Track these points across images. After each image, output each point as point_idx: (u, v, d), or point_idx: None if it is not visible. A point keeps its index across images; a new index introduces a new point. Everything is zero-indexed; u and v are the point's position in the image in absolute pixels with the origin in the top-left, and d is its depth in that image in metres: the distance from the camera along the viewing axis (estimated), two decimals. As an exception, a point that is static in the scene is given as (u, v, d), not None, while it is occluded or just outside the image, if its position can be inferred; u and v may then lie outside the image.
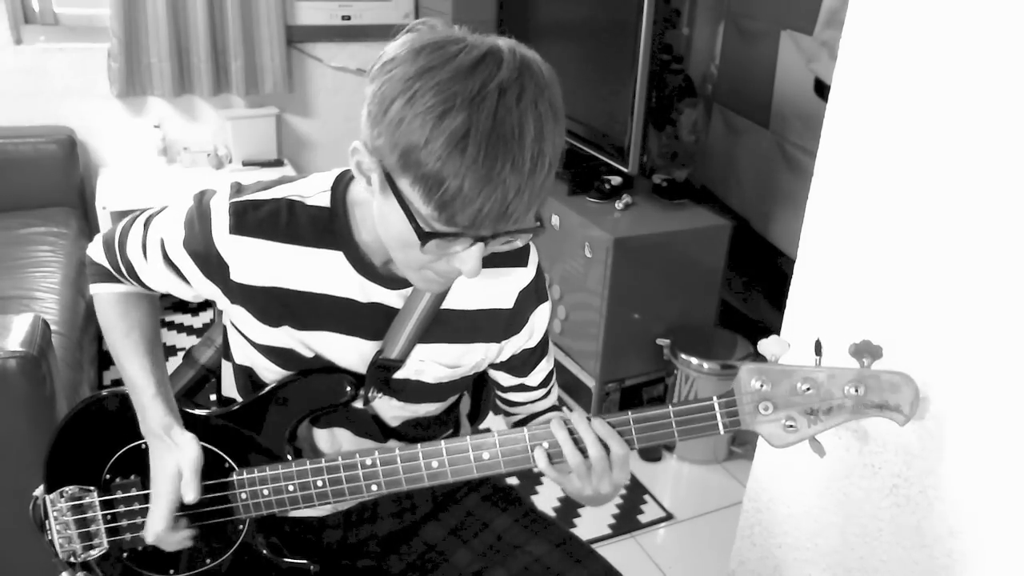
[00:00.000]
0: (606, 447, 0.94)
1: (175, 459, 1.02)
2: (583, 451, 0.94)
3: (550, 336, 1.14)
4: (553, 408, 1.19)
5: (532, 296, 1.08)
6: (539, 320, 1.10)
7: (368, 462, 1.00)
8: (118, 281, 1.11)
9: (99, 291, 1.12)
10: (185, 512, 1.05)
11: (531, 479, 2.25)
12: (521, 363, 1.13)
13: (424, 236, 0.80)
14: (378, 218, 0.87)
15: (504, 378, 1.14)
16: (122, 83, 2.98)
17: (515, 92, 0.75)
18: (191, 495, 1.01)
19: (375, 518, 1.16)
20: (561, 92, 0.81)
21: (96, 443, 1.09)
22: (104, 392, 1.12)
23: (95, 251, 1.12)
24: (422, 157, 0.75)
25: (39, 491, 1.12)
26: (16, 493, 1.24)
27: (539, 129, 0.77)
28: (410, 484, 1.00)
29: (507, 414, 1.20)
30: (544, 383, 1.17)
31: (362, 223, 0.97)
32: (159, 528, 1.03)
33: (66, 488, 1.09)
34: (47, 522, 1.10)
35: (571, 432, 0.95)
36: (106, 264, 1.10)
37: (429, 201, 0.77)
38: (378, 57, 0.82)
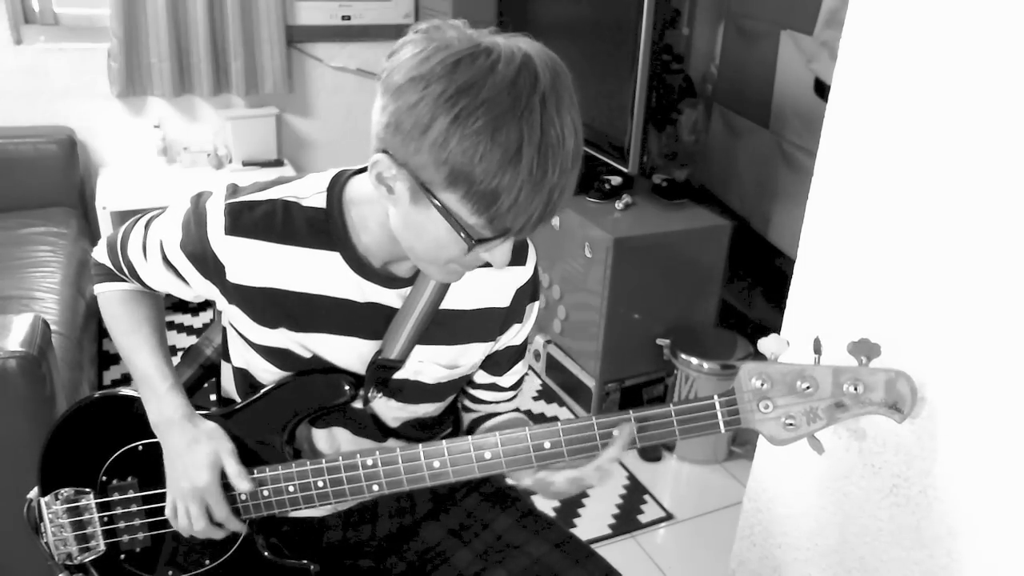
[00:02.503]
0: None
1: (210, 449, 1.02)
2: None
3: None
4: (516, 411, 1.21)
5: (527, 294, 1.09)
6: (530, 317, 1.12)
7: (369, 462, 1.00)
8: (122, 280, 1.12)
9: (103, 290, 1.13)
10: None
11: (531, 479, 2.25)
12: (503, 361, 1.14)
13: (473, 244, 0.83)
14: (403, 224, 0.88)
15: (479, 375, 1.15)
16: (122, 83, 2.98)
17: (554, 100, 0.79)
18: (246, 484, 1.02)
19: (375, 518, 1.17)
20: None
21: (91, 445, 1.09)
22: (97, 394, 1.12)
23: (99, 253, 1.13)
24: (475, 175, 0.77)
25: (33, 493, 1.11)
26: (16, 494, 1.24)
27: (574, 130, 0.81)
28: (412, 484, 1.00)
29: (466, 409, 1.21)
30: (515, 386, 1.19)
31: (360, 224, 0.97)
32: (224, 515, 1.03)
33: (62, 490, 1.08)
34: (42, 524, 1.10)
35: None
36: (109, 265, 1.11)
37: (481, 214, 0.80)
38: (392, 66, 0.82)
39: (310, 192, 0.98)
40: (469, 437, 0.98)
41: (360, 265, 0.98)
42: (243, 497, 1.04)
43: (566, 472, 0.96)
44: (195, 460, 1.02)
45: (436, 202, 0.81)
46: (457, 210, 0.81)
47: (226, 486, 1.03)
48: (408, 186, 0.83)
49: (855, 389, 0.91)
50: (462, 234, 0.82)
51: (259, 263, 0.97)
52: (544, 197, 0.80)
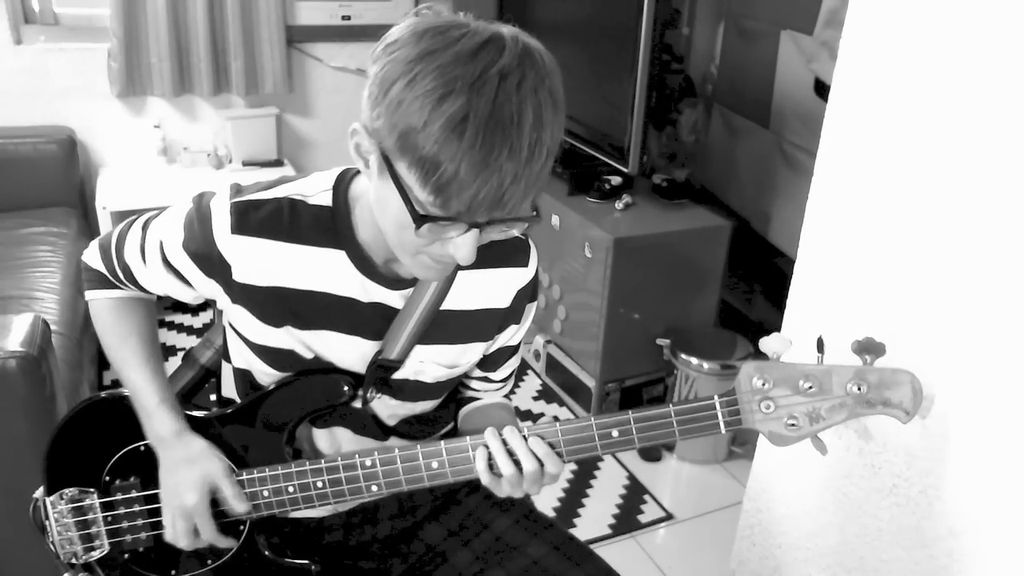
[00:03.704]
0: (540, 462, 0.95)
1: (202, 469, 1.02)
2: (517, 463, 0.95)
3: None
4: (506, 397, 1.21)
5: (527, 295, 1.09)
6: (528, 318, 1.12)
7: (368, 463, 1.00)
8: (114, 287, 1.11)
9: (95, 297, 1.12)
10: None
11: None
12: (498, 359, 1.15)
13: (419, 219, 0.80)
14: (375, 201, 0.87)
15: (472, 370, 1.15)
16: (122, 83, 2.98)
17: (515, 79, 0.75)
18: (243, 507, 1.02)
19: (376, 519, 1.16)
20: (562, 82, 0.81)
21: (95, 445, 1.09)
22: (102, 394, 1.12)
23: (91, 257, 1.11)
24: (419, 140, 0.75)
25: (39, 493, 1.11)
26: (16, 493, 1.24)
27: (538, 117, 0.77)
28: (410, 485, 1.00)
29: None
30: (506, 379, 1.19)
31: (362, 220, 0.97)
32: (210, 536, 1.03)
33: (66, 490, 1.08)
34: (47, 524, 1.10)
35: (504, 444, 0.96)
36: (103, 269, 1.10)
37: (425, 185, 0.77)
38: (382, 39, 0.82)
39: (316, 190, 0.98)
40: (467, 438, 0.98)
41: (365, 264, 0.98)
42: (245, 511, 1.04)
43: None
44: (185, 480, 1.02)
45: (391, 170, 0.80)
46: (407, 179, 0.79)
47: (217, 501, 1.04)
48: (376, 157, 0.82)
49: (859, 389, 0.90)
50: (409, 207, 0.79)
51: (265, 262, 0.97)
52: (491, 180, 0.75)
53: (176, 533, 1.04)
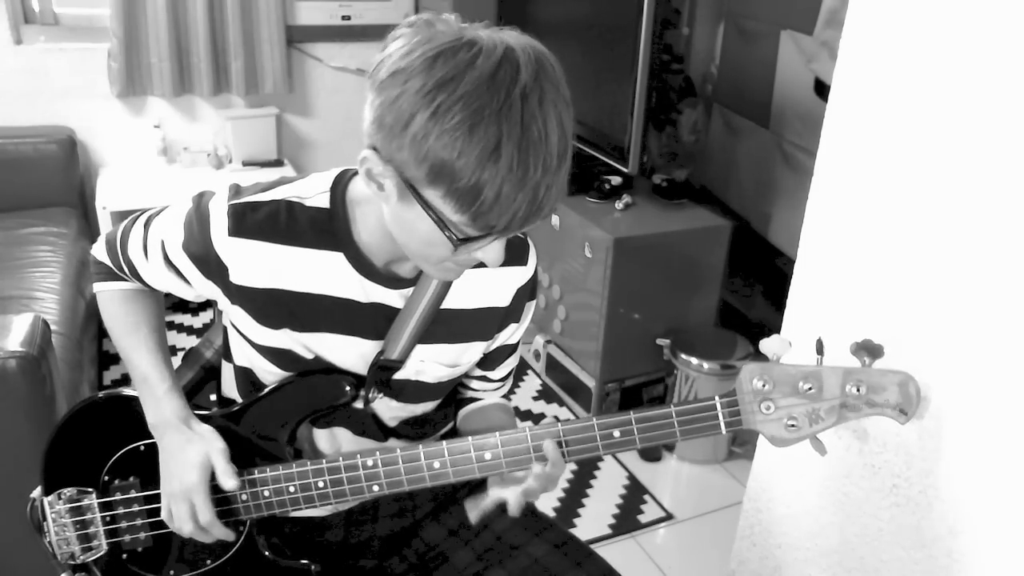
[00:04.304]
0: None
1: (201, 449, 1.01)
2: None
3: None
4: (504, 397, 1.22)
5: (526, 294, 1.10)
6: (527, 316, 1.13)
7: (370, 463, 1.00)
8: (122, 279, 1.11)
9: (103, 289, 1.12)
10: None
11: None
12: (497, 358, 1.15)
13: (459, 243, 0.82)
14: (394, 221, 0.88)
15: (472, 369, 1.16)
16: (122, 83, 2.98)
17: (536, 95, 0.77)
18: (232, 482, 1.01)
19: (376, 518, 1.17)
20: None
21: (94, 445, 1.09)
22: (101, 394, 1.12)
23: (98, 251, 1.12)
24: (456, 171, 0.76)
25: (36, 493, 1.11)
26: (16, 493, 1.24)
27: (561, 127, 0.79)
28: (412, 485, 1.00)
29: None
30: (504, 378, 1.20)
31: (362, 223, 0.97)
32: (207, 518, 1.02)
33: (64, 490, 1.08)
34: (45, 524, 1.10)
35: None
36: (109, 263, 1.11)
37: (464, 212, 0.79)
38: (379, 60, 0.81)
39: (313, 192, 0.98)
40: (469, 438, 0.98)
41: (363, 265, 0.98)
42: (244, 497, 1.04)
43: (513, 489, 0.97)
44: (186, 460, 1.02)
45: (420, 199, 0.81)
46: (440, 207, 0.80)
47: (219, 489, 1.03)
48: (395, 183, 0.82)
49: (858, 390, 0.90)
50: (446, 233, 0.82)
51: (263, 264, 0.97)
52: (528, 195, 0.78)
53: (178, 519, 1.03)
